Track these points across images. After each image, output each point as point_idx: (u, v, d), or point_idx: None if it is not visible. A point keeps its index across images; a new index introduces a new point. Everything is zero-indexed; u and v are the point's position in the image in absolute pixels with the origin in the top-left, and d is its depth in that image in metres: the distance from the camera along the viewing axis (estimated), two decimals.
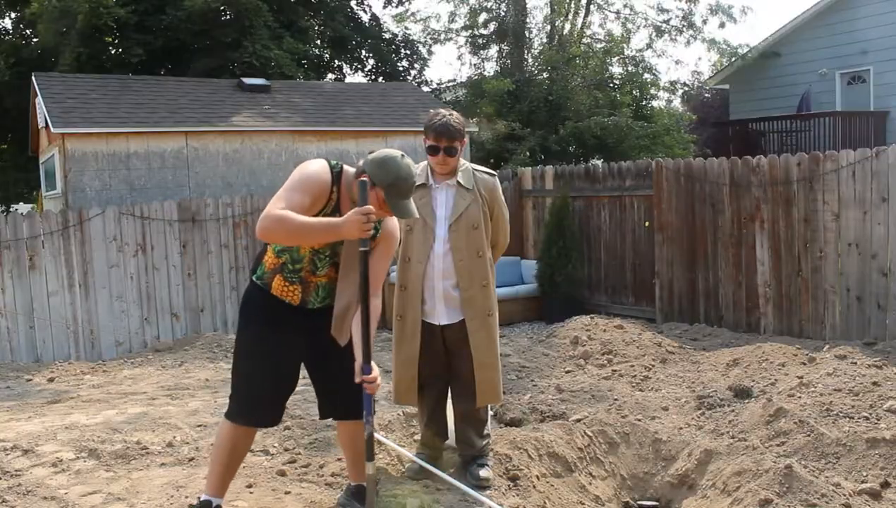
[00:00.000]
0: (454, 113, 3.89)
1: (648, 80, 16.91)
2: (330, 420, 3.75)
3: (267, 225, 2.95)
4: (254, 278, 3.35)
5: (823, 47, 15.70)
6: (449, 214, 3.91)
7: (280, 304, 3.26)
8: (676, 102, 18.71)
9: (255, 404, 3.29)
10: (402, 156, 3.16)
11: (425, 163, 4.02)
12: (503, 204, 4.10)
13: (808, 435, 4.41)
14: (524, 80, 16.08)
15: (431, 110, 3.98)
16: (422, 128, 3.99)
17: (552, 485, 4.16)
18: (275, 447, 4.56)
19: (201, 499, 3.36)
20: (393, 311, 4.06)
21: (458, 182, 3.93)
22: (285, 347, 3.27)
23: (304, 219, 2.97)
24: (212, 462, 3.41)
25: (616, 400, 5.63)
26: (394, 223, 3.34)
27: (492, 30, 17.85)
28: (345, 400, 3.34)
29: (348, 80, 19.93)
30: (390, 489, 3.82)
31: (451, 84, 19.19)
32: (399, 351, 4.03)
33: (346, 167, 3.24)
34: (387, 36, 19.91)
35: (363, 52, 19.70)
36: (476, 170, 4.03)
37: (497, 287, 4.10)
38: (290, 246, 3.19)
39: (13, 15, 17.54)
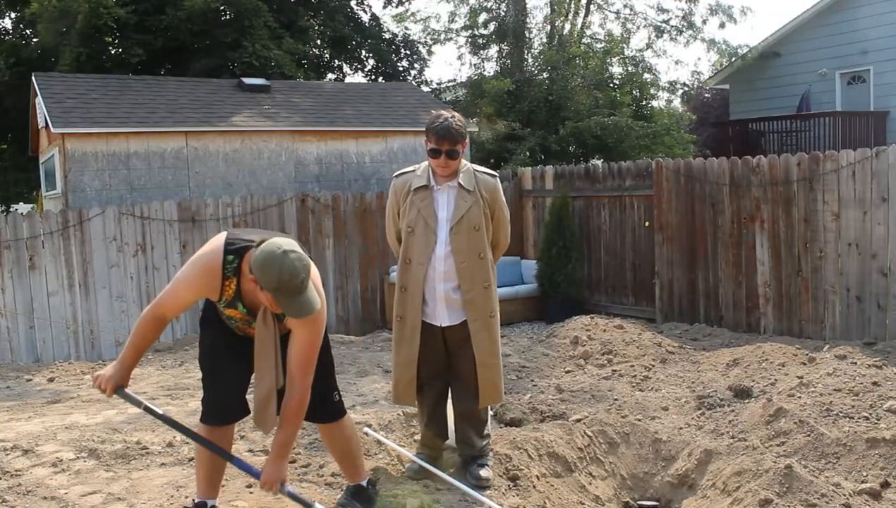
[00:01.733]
0: (456, 115, 3.88)
1: (648, 80, 16.91)
2: None
3: (140, 318, 3.20)
4: None
5: (823, 47, 15.70)
6: (450, 216, 3.89)
7: None
8: (676, 102, 18.71)
9: (218, 405, 3.32)
10: (285, 252, 2.82)
11: (426, 163, 4.01)
12: (504, 204, 4.09)
13: (808, 435, 4.41)
14: (524, 80, 16.08)
15: (433, 112, 3.97)
16: (422, 129, 3.98)
17: (552, 485, 4.16)
18: None
19: (196, 501, 3.38)
20: (393, 312, 4.06)
21: (459, 183, 3.92)
22: (237, 351, 3.26)
23: (132, 341, 3.18)
24: (196, 465, 3.45)
25: (616, 400, 5.63)
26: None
27: (492, 30, 17.83)
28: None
29: (348, 80, 19.95)
30: (390, 489, 3.82)
31: (451, 84, 19.17)
32: (399, 352, 4.03)
33: (247, 255, 2.98)
34: (387, 36, 19.92)
35: (363, 52, 19.70)
36: (477, 171, 4.02)
37: (497, 287, 4.10)
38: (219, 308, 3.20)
39: (13, 15, 17.55)
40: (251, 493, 3.84)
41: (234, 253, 3.04)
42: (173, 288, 3.19)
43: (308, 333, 3.04)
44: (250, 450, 4.47)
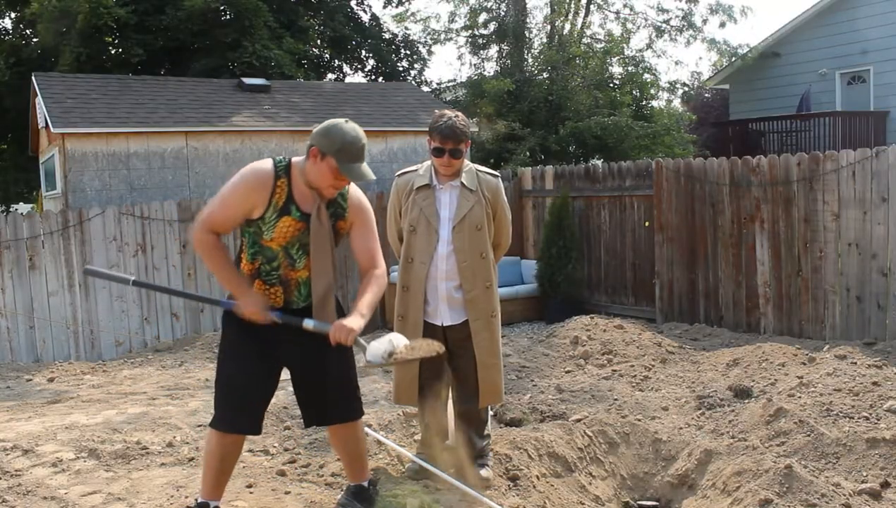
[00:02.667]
0: (459, 114, 3.89)
1: (648, 80, 16.91)
2: None
3: (196, 243, 3.17)
4: None
5: (823, 47, 15.70)
6: (452, 215, 3.90)
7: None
8: (676, 102, 18.71)
9: (234, 410, 3.24)
10: (347, 120, 3.15)
11: (429, 163, 4.01)
12: (506, 205, 4.09)
13: (808, 435, 4.41)
14: (524, 79, 16.07)
15: (437, 111, 3.97)
16: (422, 129, 4.00)
17: (552, 485, 4.16)
18: (275, 447, 4.56)
19: (199, 501, 3.35)
20: (394, 311, 4.06)
21: (461, 183, 3.92)
22: (262, 353, 3.22)
23: (220, 263, 3.15)
24: (204, 467, 3.38)
25: (616, 400, 5.63)
26: (359, 194, 3.33)
27: (492, 30, 17.83)
28: (329, 405, 3.33)
29: (348, 80, 19.95)
30: (390, 489, 3.82)
31: (451, 84, 19.17)
32: None
33: (293, 159, 3.21)
34: (387, 36, 19.92)
35: (363, 52, 19.71)
36: (480, 170, 4.03)
37: (497, 287, 4.10)
38: (261, 247, 3.17)
39: (13, 15, 17.55)
40: (251, 493, 3.84)
41: (281, 159, 3.20)
42: (220, 202, 3.15)
43: (367, 220, 3.31)
44: (250, 450, 4.47)
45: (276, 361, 3.28)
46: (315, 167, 3.09)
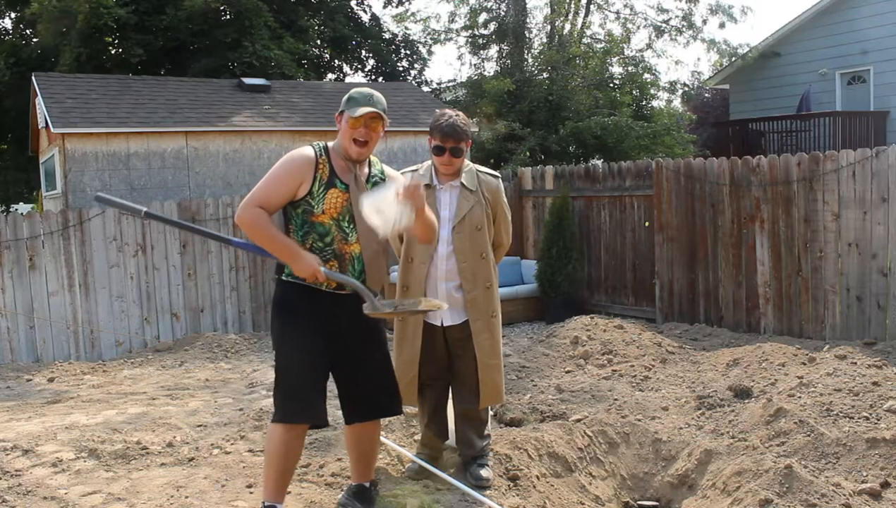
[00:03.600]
0: (460, 113, 3.90)
1: (648, 80, 16.91)
2: (330, 420, 3.74)
3: (245, 220, 3.24)
4: (282, 277, 3.36)
5: (823, 47, 15.71)
6: (452, 216, 3.90)
7: (314, 296, 3.29)
8: (676, 102, 18.70)
9: (300, 399, 3.24)
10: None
11: (429, 163, 4.02)
12: (506, 205, 4.10)
13: (808, 435, 4.41)
14: (524, 79, 16.08)
15: (437, 111, 3.98)
16: (422, 129, 4.01)
17: (552, 485, 4.17)
18: None
19: (265, 504, 3.31)
20: None
21: (461, 183, 3.93)
22: (319, 339, 3.30)
23: (271, 233, 3.23)
24: (266, 468, 3.33)
25: (616, 400, 5.63)
26: (393, 170, 3.64)
27: (492, 30, 17.83)
28: (366, 401, 3.43)
29: (348, 80, 19.96)
30: (390, 489, 3.82)
31: (451, 84, 19.17)
32: (400, 352, 4.03)
33: (329, 143, 3.50)
34: (387, 36, 19.93)
35: (363, 52, 19.71)
36: (480, 171, 4.04)
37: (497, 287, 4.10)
38: (312, 224, 3.30)
39: (13, 15, 17.56)
40: (251, 493, 3.84)
41: (318, 143, 3.49)
42: (266, 182, 3.31)
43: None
44: (250, 450, 4.47)
45: (328, 349, 3.37)
46: (339, 131, 3.42)
